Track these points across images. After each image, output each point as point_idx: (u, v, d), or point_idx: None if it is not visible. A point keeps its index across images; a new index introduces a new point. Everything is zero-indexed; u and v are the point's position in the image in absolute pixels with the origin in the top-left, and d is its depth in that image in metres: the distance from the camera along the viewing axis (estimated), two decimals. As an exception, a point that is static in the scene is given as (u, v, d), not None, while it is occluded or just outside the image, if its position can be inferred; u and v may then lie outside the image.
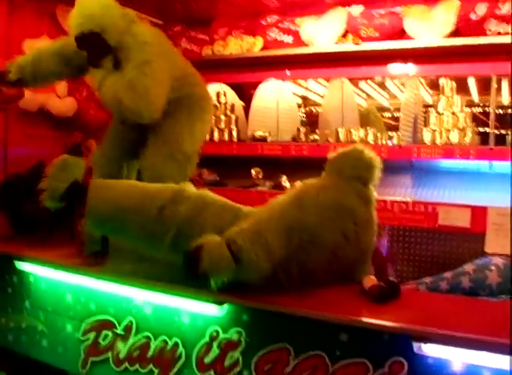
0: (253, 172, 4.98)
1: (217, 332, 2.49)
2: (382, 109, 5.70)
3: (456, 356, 1.99)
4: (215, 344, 2.49)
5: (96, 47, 2.91)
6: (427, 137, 4.29)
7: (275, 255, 2.30)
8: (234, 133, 5.20)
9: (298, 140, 4.87)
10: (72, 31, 2.92)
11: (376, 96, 5.90)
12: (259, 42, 5.00)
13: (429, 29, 4.20)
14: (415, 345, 2.02)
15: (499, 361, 1.87)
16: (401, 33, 4.40)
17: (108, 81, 2.91)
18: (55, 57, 3.19)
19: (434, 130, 4.27)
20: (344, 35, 4.61)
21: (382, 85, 5.61)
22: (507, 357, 1.83)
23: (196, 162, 3.26)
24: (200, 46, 5.32)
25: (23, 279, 3.39)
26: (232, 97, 5.53)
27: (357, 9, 4.55)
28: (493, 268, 3.04)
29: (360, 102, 5.65)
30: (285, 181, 4.79)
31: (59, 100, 4.36)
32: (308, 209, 2.47)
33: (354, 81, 5.16)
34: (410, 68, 4.57)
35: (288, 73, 5.18)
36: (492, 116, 4.26)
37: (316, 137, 4.85)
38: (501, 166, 4.15)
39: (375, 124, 4.84)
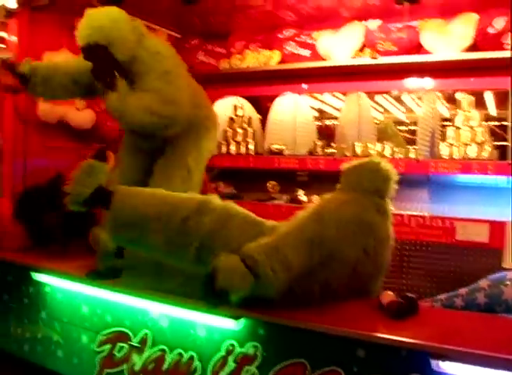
0: (268, 185, 4.98)
1: (233, 346, 2.49)
2: (398, 123, 5.67)
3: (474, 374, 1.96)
4: (230, 359, 2.48)
5: (102, 59, 2.87)
6: (444, 151, 4.26)
7: (294, 269, 2.29)
8: (251, 147, 5.20)
9: (315, 153, 4.87)
10: (79, 42, 2.87)
11: (392, 110, 5.88)
12: (276, 56, 5.01)
13: (446, 43, 4.19)
14: (433, 362, 2.00)
15: (518, 379, 1.84)
16: (418, 48, 4.39)
17: (132, 99, 2.85)
18: (69, 75, 3.19)
19: (451, 145, 4.24)
20: (361, 49, 4.61)
21: (398, 99, 5.59)
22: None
23: (201, 178, 3.26)
24: (217, 59, 5.34)
25: (40, 290, 3.41)
26: (249, 110, 5.54)
27: (374, 23, 4.56)
28: (509, 283, 2.98)
29: (377, 116, 5.63)
30: (301, 195, 4.79)
31: (78, 112, 4.40)
32: (328, 224, 2.46)
33: (370, 95, 5.15)
34: (428, 82, 4.56)
35: (305, 86, 5.18)
36: (510, 131, 4.22)
37: (333, 150, 4.84)
38: (520, 180, 4.10)
39: (392, 138, 4.82)
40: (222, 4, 4.77)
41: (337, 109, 5.75)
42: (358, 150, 4.57)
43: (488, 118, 4.74)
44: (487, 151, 4.11)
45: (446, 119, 4.76)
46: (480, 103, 4.55)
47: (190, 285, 2.56)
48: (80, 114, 4.41)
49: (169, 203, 2.56)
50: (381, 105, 5.75)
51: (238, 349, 2.47)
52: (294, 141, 5.18)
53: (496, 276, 3.10)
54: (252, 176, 5.24)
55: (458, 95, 4.46)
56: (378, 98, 5.45)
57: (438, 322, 2.40)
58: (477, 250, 3.95)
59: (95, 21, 2.82)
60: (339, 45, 4.65)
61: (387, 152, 4.48)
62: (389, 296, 2.42)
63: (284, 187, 5.00)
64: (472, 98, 4.37)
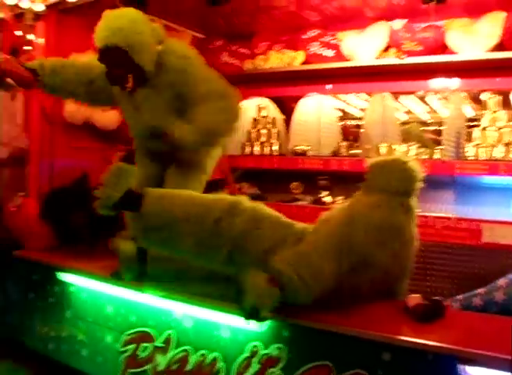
0: (292, 186, 4.96)
1: (257, 347, 2.48)
2: (422, 124, 5.62)
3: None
4: (255, 360, 2.48)
5: (119, 62, 2.75)
6: (470, 152, 4.21)
7: (324, 276, 2.30)
8: (275, 147, 5.19)
9: (338, 154, 4.84)
10: (97, 43, 2.75)
11: (416, 110, 5.83)
12: (300, 56, 5.01)
13: (473, 42, 4.15)
14: (460, 367, 1.97)
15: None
16: (444, 47, 4.35)
17: (197, 114, 2.76)
18: (77, 72, 3.11)
19: (478, 145, 4.19)
20: (386, 49, 4.58)
21: (422, 99, 5.54)
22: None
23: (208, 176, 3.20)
24: (241, 60, 5.37)
25: (64, 289, 3.44)
26: (273, 111, 5.53)
27: (399, 23, 4.52)
28: None
29: (401, 117, 5.59)
30: (325, 196, 4.76)
31: (103, 113, 4.42)
32: (359, 230, 2.45)
33: (395, 95, 5.11)
34: (453, 82, 4.50)
35: (329, 87, 5.16)
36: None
37: (357, 151, 4.81)
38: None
39: (417, 139, 4.78)
40: (246, 5, 4.77)
41: (361, 110, 5.73)
42: (383, 151, 4.53)
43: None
44: (514, 152, 4.05)
45: (471, 120, 4.71)
46: (506, 103, 4.48)
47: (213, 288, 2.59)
48: (105, 115, 4.43)
49: (199, 204, 2.55)
50: (404, 106, 5.70)
51: (262, 351, 2.46)
52: (318, 141, 5.16)
53: None
54: (276, 177, 5.24)
55: (484, 95, 4.41)
56: (402, 98, 5.41)
57: (465, 325, 2.37)
58: (503, 252, 3.89)
59: (114, 22, 2.72)
60: (364, 45, 4.62)
61: (412, 153, 4.43)
62: (415, 299, 2.39)
63: (308, 188, 4.99)
64: (499, 98, 4.31)
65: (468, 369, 1.95)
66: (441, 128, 4.76)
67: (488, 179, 4.36)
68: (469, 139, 4.30)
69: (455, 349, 2.00)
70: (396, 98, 5.18)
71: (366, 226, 2.47)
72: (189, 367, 2.72)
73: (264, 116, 5.38)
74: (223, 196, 2.67)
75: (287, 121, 5.46)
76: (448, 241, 3.97)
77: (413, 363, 2.12)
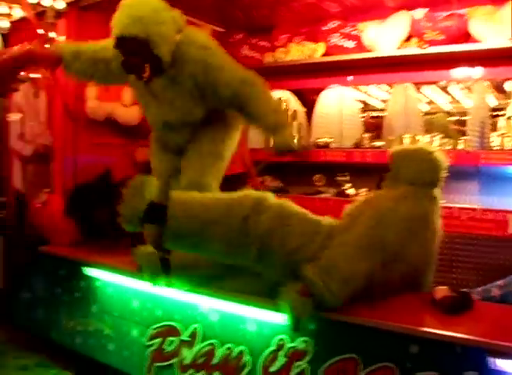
0: (315, 178, 4.95)
1: (284, 341, 2.48)
2: (446, 114, 5.56)
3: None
4: (281, 353, 2.48)
5: (137, 52, 2.63)
6: (495, 142, 4.15)
7: (355, 283, 2.29)
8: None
9: (361, 146, 4.81)
10: (114, 30, 2.62)
11: (439, 101, 5.77)
12: (321, 48, 4.97)
13: (496, 30, 4.07)
14: (490, 360, 1.95)
15: None
16: (467, 36, 4.28)
17: (254, 107, 2.82)
18: (98, 53, 3.09)
19: (503, 135, 4.12)
20: (407, 39, 4.53)
21: (444, 89, 5.47)
22: None
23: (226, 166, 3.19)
24: (261, 53, 5.35)
25: (90, 284, 3.47)
26: (294, 103, 5.50)
27: (420, 12, 4.46)
28: None
29: (423, 107, 5.53)
30: (348, 188, 4.74)
31: (125, 109, 4.44)
32: (389, 227, 2.43)
33: (417, 85, 5.05)
34: (477, 71, 4.44)
35: (350, 78, 5.12)
36: None
37: (380, 142, 4.77)
38: None
39: (441, 129, 4.73)
40: (264, -3, 4.75)
41: (382, 101, 5.68)
42: (406, 142, 4.48)
43: (540, 107, 4.59)
44: (540, 141, 3.99)
45: (495, 109, 4.65)
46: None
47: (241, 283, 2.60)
48: (127, 111, 4.45)
49: (224, 205, 2.50)
50: (426, 96, 5.64)
51: (289, 344, 2.46)
52: (341, 133, 5.13)
53: None
54: (298, 170, 5.22)
55: (508, 84, 4.34)
56: (424, 88, 5.35)
57: (494, 317, 2.34)
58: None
59: (134, 10, 2.58)
60: (385, 36, 4.57)
61: (436, 144, 4.38)
62: (442, 291, 2.37)
63: (330, 181, 4.96)
64: (524, 87, 4.25)
65: (499, 362, 1.93)
66: (464, 118, 4.70)
67: (514, 169, 4.30)
68: (494, 129, 4.25)
69: (485, 342, 1.98)
70: (418, 89, 5.13)
71: (395, 223, 2.45)
72: (215, 361, 2.72)
73: (285, 109, 5.34)
74: (247, 192, 2.59)
75: (308, 113, 5.43)
76: (473, 232, 3.93)
77: (441, 356, 2.10)
